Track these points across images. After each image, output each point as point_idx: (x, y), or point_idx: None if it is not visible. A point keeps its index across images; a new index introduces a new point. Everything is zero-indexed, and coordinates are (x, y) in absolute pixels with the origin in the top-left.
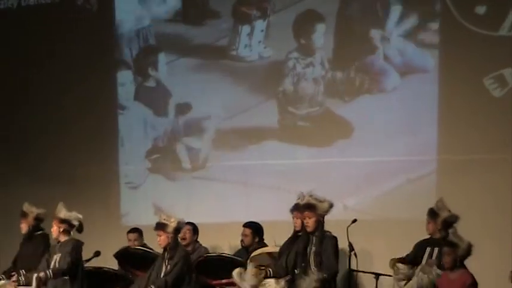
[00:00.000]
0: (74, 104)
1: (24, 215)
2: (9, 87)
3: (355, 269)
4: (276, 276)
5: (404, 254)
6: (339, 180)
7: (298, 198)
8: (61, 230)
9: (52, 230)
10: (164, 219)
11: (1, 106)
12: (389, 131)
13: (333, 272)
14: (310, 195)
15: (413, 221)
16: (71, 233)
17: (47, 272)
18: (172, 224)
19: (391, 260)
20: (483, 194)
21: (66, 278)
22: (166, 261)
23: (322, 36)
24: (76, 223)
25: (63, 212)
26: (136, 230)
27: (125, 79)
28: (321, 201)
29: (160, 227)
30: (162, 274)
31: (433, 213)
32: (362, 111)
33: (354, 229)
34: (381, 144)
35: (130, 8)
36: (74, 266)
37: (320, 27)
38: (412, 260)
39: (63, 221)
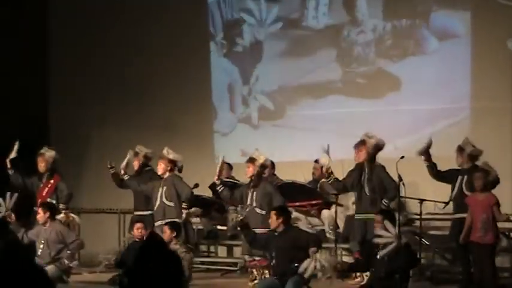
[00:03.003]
0: (173, 65)
1: (136, 154)
2: (119, 50)
3: (404, 195)
4: None
5: None
6: (390, 125)
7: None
8: (168, 168)
9: (159, 167)
10: (255, 155)
11: (115, 67)
12: (430, 85)
13: (392, 196)
14: (365, 134)
15: (450, 157)
16: (174, 171)
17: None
18: (260, 160)
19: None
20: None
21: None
22: (252, 189)
23: (366, 8)
24: (180, 164)
25: (172, 154)
26: (225, 163)
27: (216, 52)
28: (369, 137)
29: (250, 160)
30: (248, 202)
31: (460, 149)
32: (408, 69)
33: (402, 165)
34: (424, 96)
35: None
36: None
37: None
38: (442, 175)
39: (170, 161)
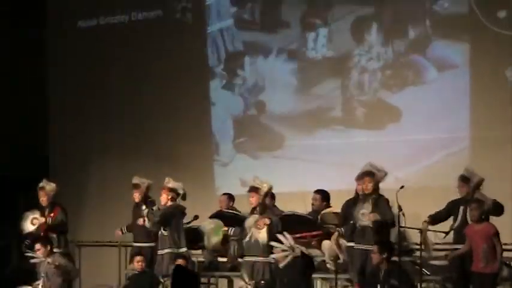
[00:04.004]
0: (173, 96)
1: (136, 186)
2: (119, 80)
3: (403, 225)
4: None
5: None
6: (390, 156)
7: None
8: (169, 197)
9: (161, 198)
10: (257, 184)
11: (115, 97)
12: (430, 115)
13: (390, 219)
14: (371, 165)
15: (449, 187)
16: (177, 200)
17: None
18: (264, 188)
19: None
20: (505, 164)
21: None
22: None
23: (375, 35)
24: (181, 192)
25: (171, 183)
26: (227, 194)
27: (216, 83)
28: (378, 170)
29: (253, 189)
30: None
31: (465, 178)
32: (408, 99)
33: (402, 195)
34: (424, 126)
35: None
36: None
37: (373, 29)
38: (444, 215)
39: (171, 189)
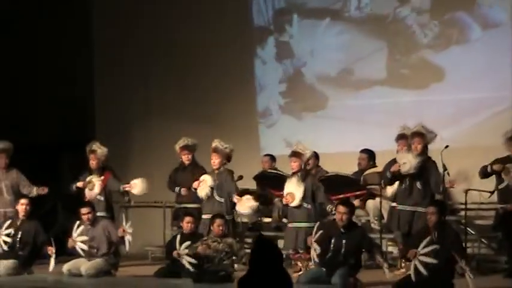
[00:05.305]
0: (218, 55)
1: (189, 148)
2: (163, 40)
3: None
4: None
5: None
6: (435, 115)
7: (403, 129)
8: (223, 162)
9: (213, 161)
10: (300, 149)
11: (159, 67)
12: (474, 74)
13: (440, 190)
14: (422, 126)
15: (496, 147)
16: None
17: None
18: (306, 154)
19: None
20: None
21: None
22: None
23: None
24: (231, 154)
25: (228, 147)
26: (269, 155)
27: (261, 44)
28: (429, 132)
29: (296, 154)
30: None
31: (510, 138)
32: (451, 58)
33: (447, 154)
34: (468, 85)
35: None
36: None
37: None
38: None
39: (226, 155)
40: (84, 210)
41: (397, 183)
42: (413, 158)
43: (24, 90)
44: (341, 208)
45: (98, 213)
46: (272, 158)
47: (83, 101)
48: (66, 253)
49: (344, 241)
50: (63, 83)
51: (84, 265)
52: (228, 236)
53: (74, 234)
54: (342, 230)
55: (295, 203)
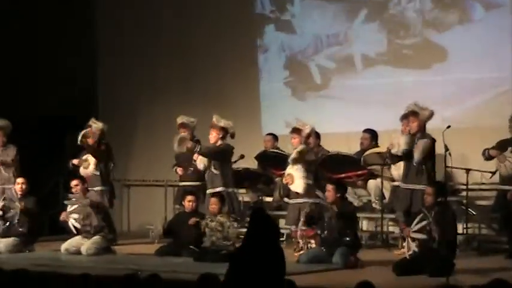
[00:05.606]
0: (223, 40)
1: (184, 125)
2: (167, 21)
3: (450, 165)
4: None
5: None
6: (437, 95)
7: (409, 109)
8: (219, 136)
9: (210, 136)
10: (299, 125)
11: (164, 47)
12: (477, 54)
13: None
14: (415, 104)
15: (500, 127)
16: (225, 139)
17: None
18: (306, 129)
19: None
20: None
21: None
22: None
23: None
24: (231, 131)
25: (223, 122)
26: (271, 134)
27: (263, 23)
28: (422, 109)
29: (296, 131)
30: None
31: None
32: (454, 39)
33: (449, 134)
34: (471, 66)
35: None
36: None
37: None
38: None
39: (222, 128)
40: (73, 182)
41: (401, 163)
42: (402, 139)
43: (25, 72)
44: (329, 187)
45: (96, 188)
46: (274, 137)
47: (87, 80)
48: (65, 232)
49: (334, 220)
50: (66, 64)
51: (83, 245)
52: (223, 213)
53: (69, 209)
54: (334, 209)
55: (298, 190)
